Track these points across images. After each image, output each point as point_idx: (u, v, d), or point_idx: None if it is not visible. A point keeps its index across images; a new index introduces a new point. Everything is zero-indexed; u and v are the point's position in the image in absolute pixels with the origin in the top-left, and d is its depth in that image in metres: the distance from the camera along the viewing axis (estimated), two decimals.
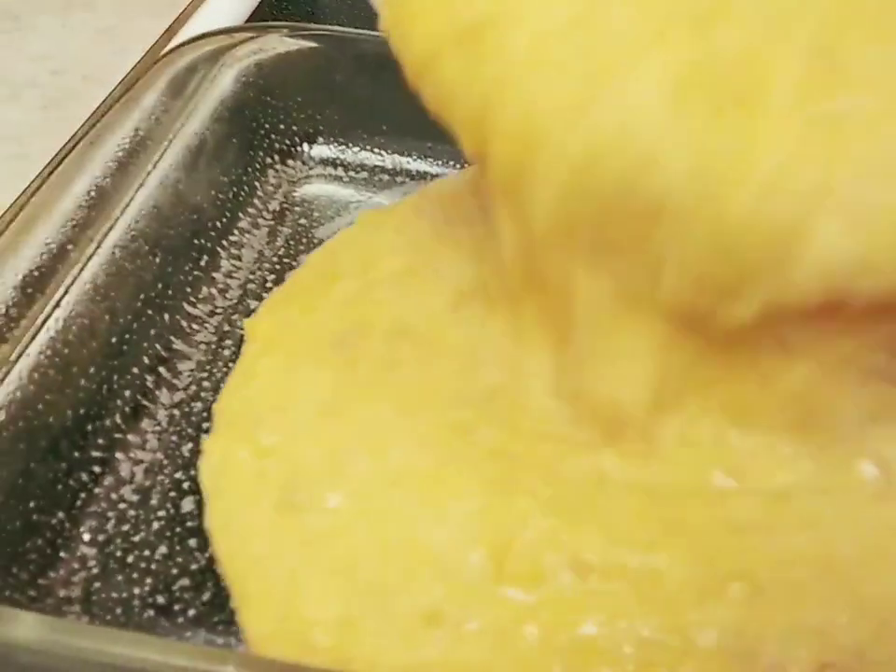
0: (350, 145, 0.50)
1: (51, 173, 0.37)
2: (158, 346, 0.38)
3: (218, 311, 0.40)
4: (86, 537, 0.32)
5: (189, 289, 0.41)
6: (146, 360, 0.37)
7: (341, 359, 0.35)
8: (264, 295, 0.41)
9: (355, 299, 0.39)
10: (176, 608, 0.30)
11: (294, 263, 0.44)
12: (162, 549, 0.31)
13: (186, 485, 0.33)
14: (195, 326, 0.40)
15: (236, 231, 0.45)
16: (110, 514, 0.33)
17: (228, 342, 0.39)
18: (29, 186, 0.47)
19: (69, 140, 0.50)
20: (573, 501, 0.30)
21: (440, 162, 0.50)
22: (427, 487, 0.30)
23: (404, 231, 0.43)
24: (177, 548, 0.31)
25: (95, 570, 0.31)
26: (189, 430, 0.35)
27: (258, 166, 0.48)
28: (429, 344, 0.35)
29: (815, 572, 0.28)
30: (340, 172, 0.50)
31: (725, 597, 0.28)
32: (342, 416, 0.33)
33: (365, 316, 0.37)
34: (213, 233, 0.44)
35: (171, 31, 0.60)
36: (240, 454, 0.32)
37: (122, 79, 0.55)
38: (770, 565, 0.29)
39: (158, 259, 0.39)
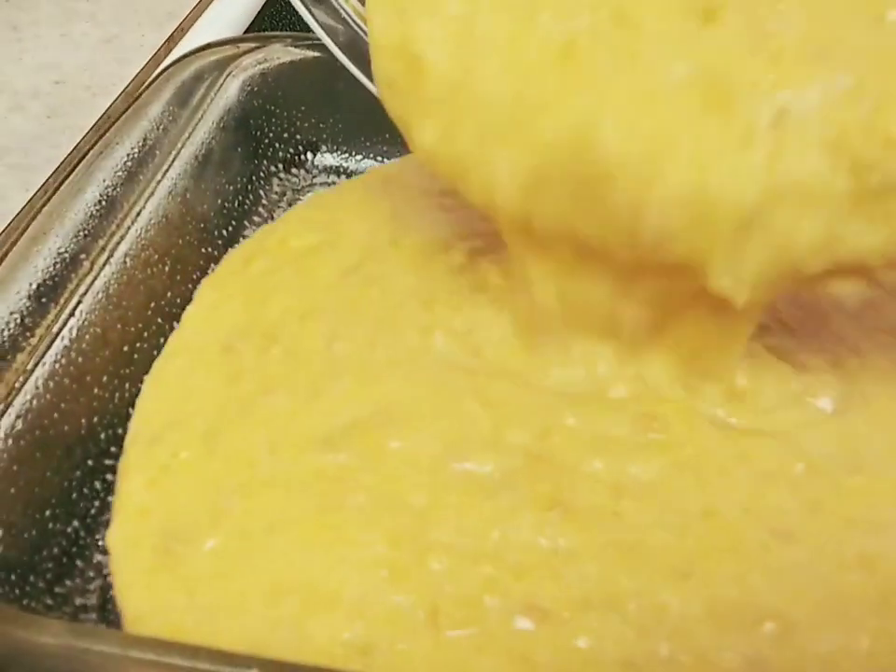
0: (353, 153, 0.51)
1: (62, 182, 0.37)
2: None
3: None
4: (101, 544, 0.32)
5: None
6: None
7: (226, 370, 0.35)
8: None
9: (256, 284, 0.39)
10: None
11: None
12: None
13: None
14: None
15: (242, 240, 0.45)
16: None
17: None
18: (35, 194, 0.47)
19: (74, 149, 0.50)
20: (517, 558, 0.29)
21: None
22: (311, 534, 0.29)
23: (330, 207, 0.44)
24: None
25: (111, 578, 0.31)
26: None
27: (262, 175, 0.48)
28: (297, 353, 0.35)
29: (868, 608, 0.28)
30: (343, 180, 0.50)
31: (754, 633, 0.28)
32: (219, 446, 0.32)
33: (256, 309, 0.38)
34: (219, 241, 0.44)
35: (171, 41, 0.61)
36: (134, 481, 0.32)
37: (125, 88, 0.55)
38: (807, 605, 0.28)
39: (167, 268, 0.39)
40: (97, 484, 0.33)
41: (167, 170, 0.40)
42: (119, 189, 0.38)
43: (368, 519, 0.30)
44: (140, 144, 0.41)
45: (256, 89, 0.47)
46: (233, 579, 0.29)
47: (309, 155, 0.50)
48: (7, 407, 0.30)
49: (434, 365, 0.34)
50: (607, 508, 0.30)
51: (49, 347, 0.32)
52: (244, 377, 0.35)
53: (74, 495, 0.32)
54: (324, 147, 0.50)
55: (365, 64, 0.42)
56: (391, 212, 0.43)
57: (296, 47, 0.49)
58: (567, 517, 0.30)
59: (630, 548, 0.29)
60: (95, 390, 0.34)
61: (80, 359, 0.33)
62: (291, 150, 0.50)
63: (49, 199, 0.36)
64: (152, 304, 0.38)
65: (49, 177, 0.48)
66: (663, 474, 0.31)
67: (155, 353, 0.37)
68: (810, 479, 0.31)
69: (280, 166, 0.49)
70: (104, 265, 0.35)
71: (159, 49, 0.59)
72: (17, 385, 0.31)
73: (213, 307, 0.39)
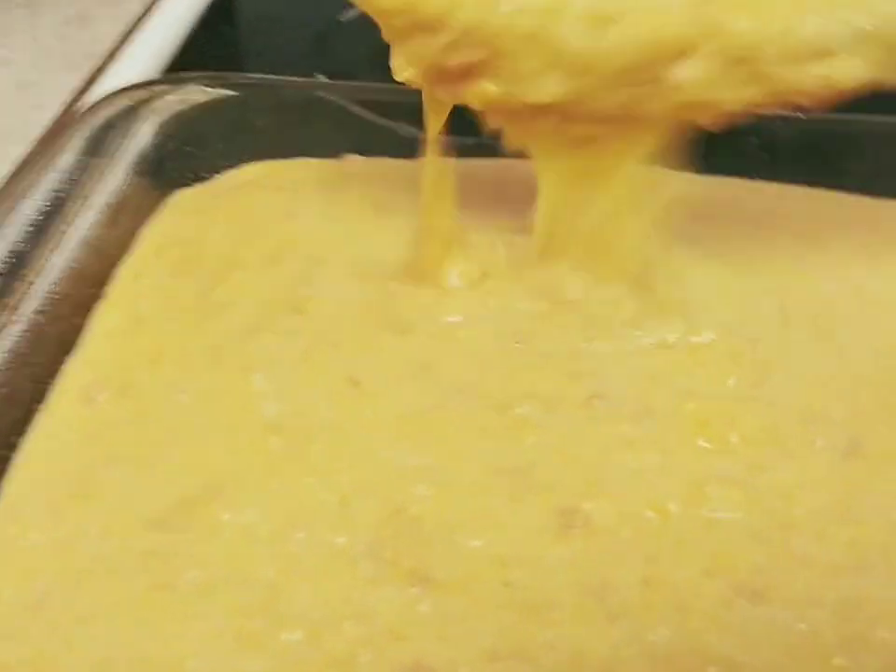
0: None
1: None
2: None
3: None
4: None
5: None
6: None
7: (86, 427, 0.34)
8: None
9: (135, 310, 0.39)
10: None
11: None
12: None
13: None
14: None
15: None
16: None
17: None
18: None
19: None
20: (390, 622, 0.28)
21: None
22: (140, 614, 0.28)
23: (198, 211, 0.45)
24: None
25: None
26: None
27: None
28: (145, 407, 0.35)
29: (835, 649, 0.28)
30: None
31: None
32: (57, 528, 0.31)
33: (124, 347, 0.37)
34: None
35: (90, 82, 0.60)
36: None
37: (41, 135, 0.55)
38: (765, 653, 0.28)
39: (82, 321, 0.39)
40: None
41: (76, 220, 0.40)
42: (27, 245, 0.38)
43: (207, 594, 0.29)
44: (50, 196, 0.40)
45: (171, 131, 0.47)
46: (50, 663, 0.27)
47: None
48: None
49: (252, 425, 0.34)
50: (493, 579, 0.30)
51: None
52: (99, 437, 0.34)
53: None
54: None
55: None
56: (241, 219, 0.44)
57: (211, 86, 0.49)
58: (440, 591, 0.29)
59: (534, 608, 0.29)
60: (2, 452, 0.33)
61: None
62: None
63: None
64: (64, 359, 0.37)
65: None
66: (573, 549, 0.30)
67: None
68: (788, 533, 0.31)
69: None
70: (9, 324, 0.35)
71: (77, 94, 0.58)
72: None
73: (97, 341, 0.38)
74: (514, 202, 0.40)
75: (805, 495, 0.32)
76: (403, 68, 0.36)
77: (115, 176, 0.44)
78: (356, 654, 0.27)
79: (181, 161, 0.48)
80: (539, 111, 0.35)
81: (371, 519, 0.31)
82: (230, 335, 0.37)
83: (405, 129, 0.47)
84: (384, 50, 0.37)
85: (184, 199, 0.46)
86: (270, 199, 0.45)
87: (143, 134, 0.46)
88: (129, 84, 0.48)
